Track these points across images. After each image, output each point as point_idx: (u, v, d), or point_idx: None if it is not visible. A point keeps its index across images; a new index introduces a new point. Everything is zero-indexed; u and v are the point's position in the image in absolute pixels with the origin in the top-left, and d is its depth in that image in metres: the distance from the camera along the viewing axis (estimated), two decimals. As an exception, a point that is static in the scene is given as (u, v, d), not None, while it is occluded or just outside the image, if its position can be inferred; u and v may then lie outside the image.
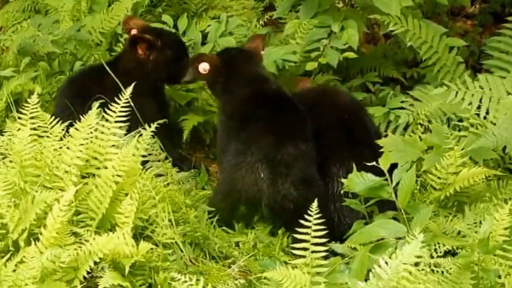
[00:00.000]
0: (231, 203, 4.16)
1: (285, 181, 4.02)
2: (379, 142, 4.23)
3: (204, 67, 4.41)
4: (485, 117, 4.11)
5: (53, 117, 3.95)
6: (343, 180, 3.89)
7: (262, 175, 4.03)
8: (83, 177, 3.68)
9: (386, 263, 2.98)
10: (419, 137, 4.47)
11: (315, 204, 3.29)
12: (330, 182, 4.13)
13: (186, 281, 3.07)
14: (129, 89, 3.78)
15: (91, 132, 3.72)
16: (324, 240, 3.30)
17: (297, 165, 4.05)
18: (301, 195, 4.01)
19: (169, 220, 3.72)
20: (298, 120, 4.24)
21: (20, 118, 3.89)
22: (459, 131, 4.34)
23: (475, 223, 3.68)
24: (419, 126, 4.64)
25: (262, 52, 4.53)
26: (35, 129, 3.84)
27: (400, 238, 3.56)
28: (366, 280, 3.15)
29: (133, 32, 4.76)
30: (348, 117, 4.35)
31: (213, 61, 4.44)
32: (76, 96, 4.59)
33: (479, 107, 4.01)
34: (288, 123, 4.18)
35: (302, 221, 3.31)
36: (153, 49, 4.67)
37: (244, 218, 4.22)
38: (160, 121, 3.98)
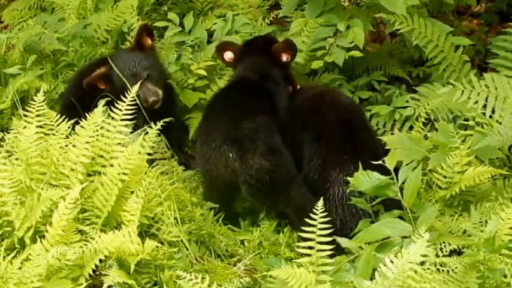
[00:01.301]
0: (216, 192, 4.21)
1: (254, 154, 4.06)
2: (385, 139, 4.23)
3: (229, 56, 4.66)
4: (491, 116, 4.10)
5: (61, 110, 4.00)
6: (349, 179, 3.89)
7: (231, 155, 4.08)
8: (89, 175, 3.69)
9: (392, 262, 2.98)
10: (425, 135, 4.46)
11: (320, 203, 3.30)
12: (331, 186, 4.13)
13: (191, 279, 3.08)
14: (136, 87, 3.79)
15: (97, 130, 3.72)
16: (329, 239, 3.31)
17: (260, 137, 4.11)
18: (272, 165, 4.06)
19: (175, 218, 3.73)
20: (250, 97, 4.35)
21: (26, 116, 3.89)
22: (465, 130, 4.34)
23: (480, 222, 3.67)
24: (422, 124, 4.62)
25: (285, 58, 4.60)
26: (41, 127, 3.85)
27: (405, 237, 3.55)
28: (371, 279, 3.15)
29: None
30: (349, 119, 4.35)
31: (236, 50, 4.67)
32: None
33: (485, 106, 4.00)
34: (239, 102, 4.29)
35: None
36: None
37: (249, 215, 4.24)
38: (166, 119, 4.00)
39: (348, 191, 3.99)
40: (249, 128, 4.11)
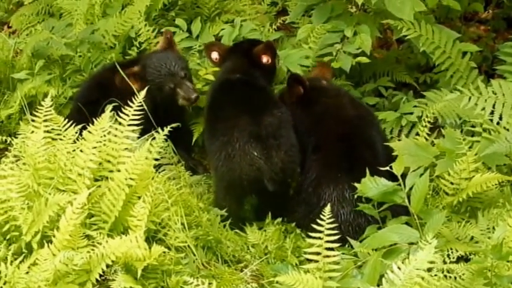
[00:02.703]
0: (235, 193, 4.22)
1: (279, 151, 4.12)
2: (392, 145, 4.22)
3: (214, 56, 4.74)
4: (498, 123, 4.10)
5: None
6: (356, 185, 3.88)
7: (255, 153, 4.09)
8: (96, 180, 3.69)
9: (399, 268, 2.97)
10: (432, 141, 4.46)
11: (327, 209, 3.30)
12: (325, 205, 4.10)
13: (198, 285, 3.08)
14: (143, 93, 3.80)
15: (104, 136, 3.73)
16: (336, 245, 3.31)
17: (283, 133, 4.17)
18: (293, 160, 4.19)
19: (182, 223, 3.73)
20: (261, 94, 4.40)
21: (33, 121, 3.90)
22: (472, 136, 4.33)
23: (488, 229, 3.67)
24: (429, 130, 4.61)
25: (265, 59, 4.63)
26: (48, 132, 3.85)
27: (413, 243, 3.55)
28: (378, 285, 3.15)
29: None
30: (350, 133, 4.32)
31: (222, 51, 4.73)
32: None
33: (492, 113, 4.00)
34: (253, 99, 4.31)
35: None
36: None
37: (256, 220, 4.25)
38: (174, 125, 4.00)
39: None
40: (271, 125, 4.14)
